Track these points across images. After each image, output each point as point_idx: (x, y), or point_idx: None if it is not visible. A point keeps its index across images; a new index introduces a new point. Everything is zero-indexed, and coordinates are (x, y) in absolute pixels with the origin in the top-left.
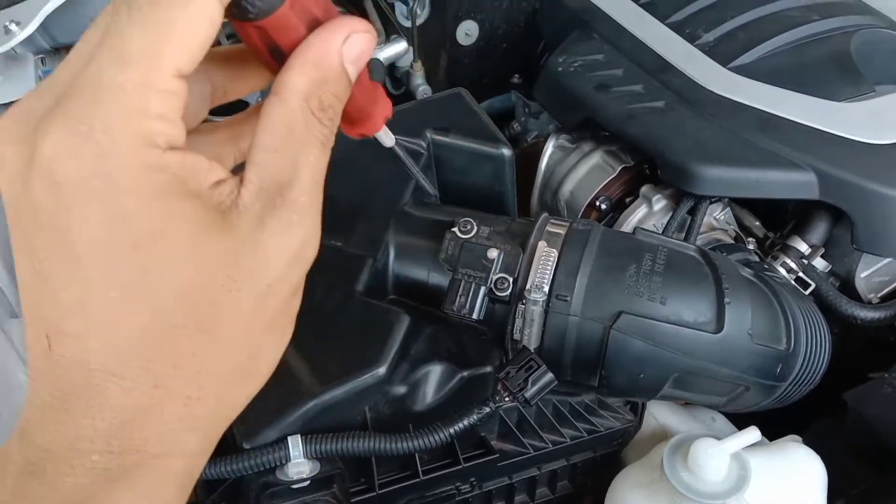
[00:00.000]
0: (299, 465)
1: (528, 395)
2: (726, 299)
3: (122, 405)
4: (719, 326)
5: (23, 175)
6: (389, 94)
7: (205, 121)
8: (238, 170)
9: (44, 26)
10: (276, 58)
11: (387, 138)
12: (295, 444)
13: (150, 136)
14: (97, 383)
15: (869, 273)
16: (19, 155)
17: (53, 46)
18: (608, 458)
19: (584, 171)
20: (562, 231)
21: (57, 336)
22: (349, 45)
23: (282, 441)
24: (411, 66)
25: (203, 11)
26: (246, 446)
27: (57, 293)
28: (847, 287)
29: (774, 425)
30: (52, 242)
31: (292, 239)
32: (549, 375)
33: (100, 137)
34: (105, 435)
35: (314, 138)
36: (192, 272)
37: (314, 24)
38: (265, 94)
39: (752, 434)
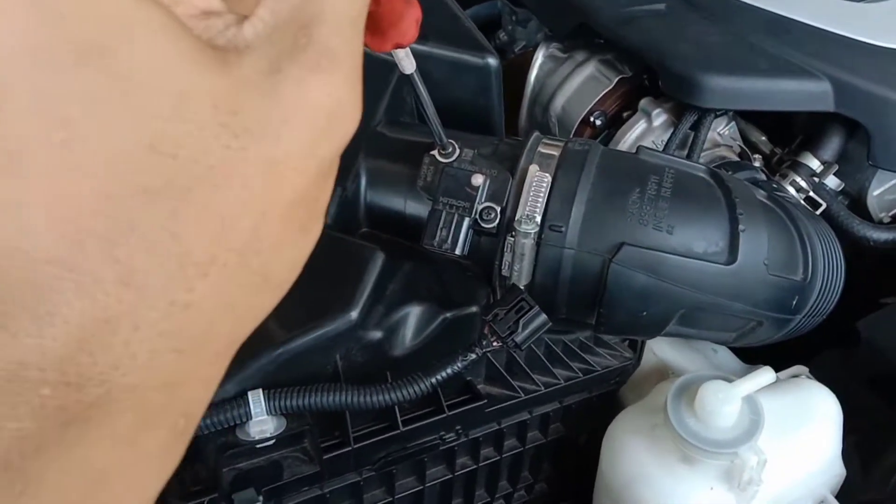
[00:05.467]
0: (262, 422)
1: (518, 339)
2: (740, 226)
3: (80, 313)
4: (732, 257)
5: None
6: None
7: None
8: None
9: None
10: None
11: (408, 62)
12: (256, 400)
13: None
14: (43, 282)
15: (882, 191)
16: None
17: None
18: (605, 399)
19: (578, 84)
20: (556, 152)
21: None
22: None
23: (241, 396)
24: None
25: None
26: None
27: None
28: (857, 206)
29: (777, 354)
30: None
31: (322, 91)
32: (543, 317)
33: None
34: (58, 359)
35: None
36: (167, 106)
37: None
38: None
39: (767, 375)
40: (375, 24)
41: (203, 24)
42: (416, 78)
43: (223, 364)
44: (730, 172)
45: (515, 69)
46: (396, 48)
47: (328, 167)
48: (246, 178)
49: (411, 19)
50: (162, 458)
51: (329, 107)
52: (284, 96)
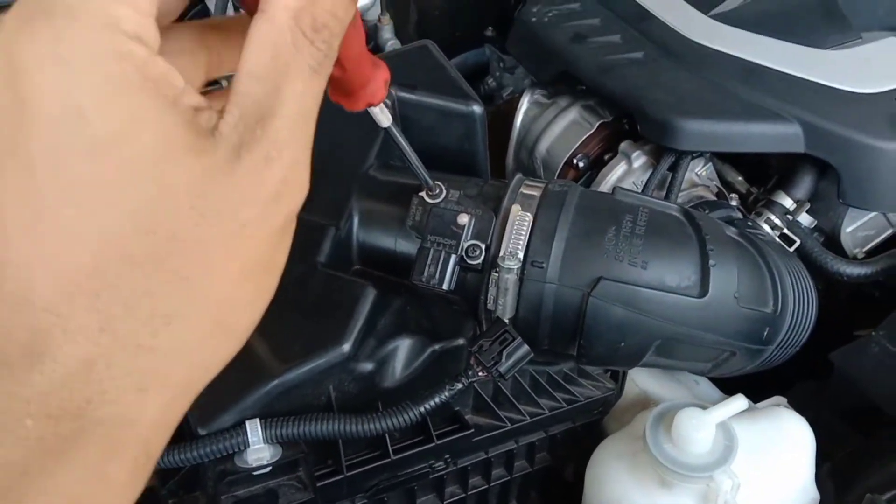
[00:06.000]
0: (259, 450)
1: (502, 369)
2: (711, 261)
3: (65, 355)
4: (704, 290)
5: None
6: None
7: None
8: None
9: None
10: None
11: (382, 117)
12: (254, 429)
13: (116, 19)
14: (41, 327)
15: (854, 227)
16: None
17: None
18: (588, 428)
19: (561, 128)
20: (537, 193)
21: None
22: None
23: (239, 426)
24: (379, 20)
25: None
26: (201, 432)
27: (5, 210)
28: (831, 242)
29: (757, 386)
30: (4, 145)
31: (270, 176)
32: (525, 348)
33: (59, 19)
34: (44, 394)
35: (303, 63)
36: (153, 192)
37: None
38: None
39: (739, 402)
40: (345, 88)
41: (195, 119)
42: (394, 130)
43: (180, 408)
44: (707, 211)
45: (503, 115)
46: (368, 107)
47: (281, 233)
48: (210, 247)
49: (379, 81)
50: (125, 490)
51: (277, 187)
52: (242, 180)
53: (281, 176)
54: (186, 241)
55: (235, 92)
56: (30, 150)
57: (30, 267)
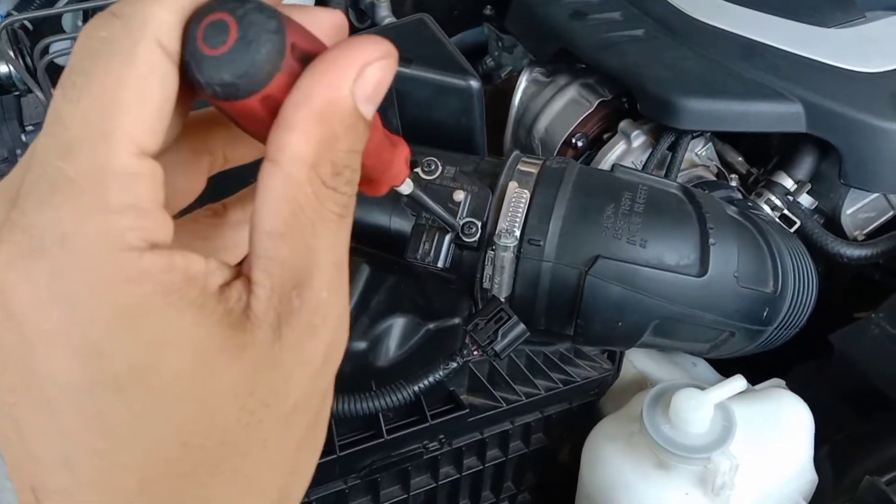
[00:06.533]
0: None
1: (497, 348)
2: (711, 240)
3: None
4: (703, 269)
5: None
6: (353, 29)
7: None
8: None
9: None
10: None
11: (404, 186)
12: None
13: (118, 236)
14: None
15: (855, 209)
16: None
17: None
18: (585, 409)
19: (560, 107)
20: (534, 170)
21: (43, 491)
22: (363, 80)
23: None
24: None
25: (147, 65)
26: None
27: (34, 445)
28: (831, 224)
29: (756, 368)
30: (20, 386)
31: (316, 347)
32: (521, 327)
33: (53, 251)
34: None
35: (329, 213)
36: (195, 411)
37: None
38: None
39: (738, 383)
40: (368, 176)
41: (223, 298)
42: (417, 193)
43: None
44: (706, 191)
45: (501, 94)
46: (391, 188)
47: (326, 393)
48: (264, 439)
49: (401, 161)
50: None
51: (324, 353)
52: (287, 360)
53: (327, 340)
54: (239, 440)
55: (258, 255)
56: (45, 391)
57: (73, 495)
